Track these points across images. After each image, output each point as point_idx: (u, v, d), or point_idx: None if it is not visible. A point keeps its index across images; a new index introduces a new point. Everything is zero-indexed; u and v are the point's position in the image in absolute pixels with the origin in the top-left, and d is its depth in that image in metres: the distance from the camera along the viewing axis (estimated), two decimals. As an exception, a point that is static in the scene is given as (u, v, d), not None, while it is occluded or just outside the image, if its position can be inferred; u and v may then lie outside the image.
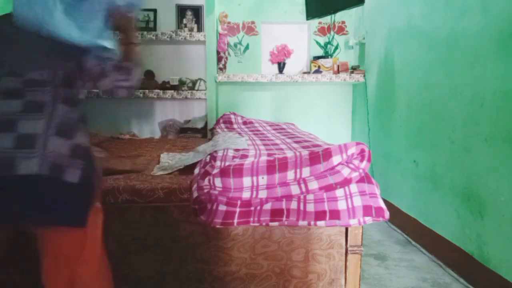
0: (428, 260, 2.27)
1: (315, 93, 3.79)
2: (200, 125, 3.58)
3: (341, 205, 1.44)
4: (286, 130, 2.82)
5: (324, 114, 3.82)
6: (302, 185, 1.41)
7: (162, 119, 3.74)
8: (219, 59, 3.57)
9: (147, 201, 1.50)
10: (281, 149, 1.94)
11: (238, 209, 1.41)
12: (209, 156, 1.78)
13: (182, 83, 3.55)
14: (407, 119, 2.66)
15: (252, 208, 1.42)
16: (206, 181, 1.42)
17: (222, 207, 1.40)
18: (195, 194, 1.42)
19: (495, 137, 1.80)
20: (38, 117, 1.07)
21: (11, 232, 1.30)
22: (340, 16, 3.64)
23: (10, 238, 1.34)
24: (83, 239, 1.13)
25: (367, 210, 1.44)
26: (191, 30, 3.58)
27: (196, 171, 1.66)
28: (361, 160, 1.43)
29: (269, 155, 1.70)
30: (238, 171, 1.42)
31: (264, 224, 1.43)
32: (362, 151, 1.43)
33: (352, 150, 1.42)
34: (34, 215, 1.05)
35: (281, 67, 3.63)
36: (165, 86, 3.56)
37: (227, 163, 1.53)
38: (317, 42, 3.75)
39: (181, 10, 3.66)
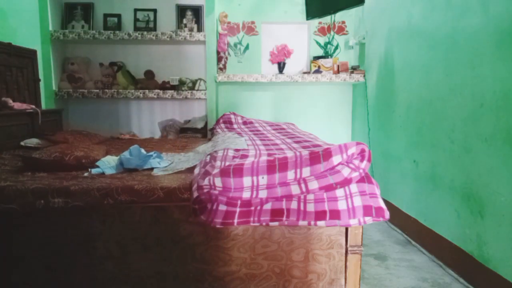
0: (428, 260, 2.27)
1: (315, 93, 3.79)
2: (200, 125, 3.58)
3: (341, 205, 1.44)
4: (286, 130, 2.82)
5: (324, 114, 3.82)
6: (302, 185, 1.41)
7: (162, 119, 3.74)
8: (219, 59, 3.57)
9: (148, 201, 1.50)
10: (281, 149, 1.94)
11: (238, 209, 1.41)
12: (209, 156, 1.78)
13: (182, 83, 3.55)
14: (407, 119, 2.66)
15: (252, 208, 1.42)
16: (206, 181, 1.42)
17: (222, 207, 1.40)
18: (195, 194, 1.42)
19: (495, 137, 1.80)
20: None
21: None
22: (340, 16, 3.64)
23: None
24: None
25: (367, 210, 1.44)
26: (191, 30, 3.58)
27: (196, 171, 1.66)
28: (361, 160, 1.43)
29: (269, 155, 1.70)
30: (238, 171, 1.42)
31: (264, 224, 1.43)
32: (362, 151, 1.43)
33: (352, 150, 1.43)
34: None
35: (281, 67, 3.63)
36: (165, 86, 3.57)
37: (227, 163, 1.53)
38: (317, 42, 3.75)
39: (181, 10, 3.66)
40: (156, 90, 3.50)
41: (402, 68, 2.76)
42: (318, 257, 1.55)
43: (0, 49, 2.59)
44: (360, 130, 3.62)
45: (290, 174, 1.42)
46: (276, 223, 1.43)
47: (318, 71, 3.57)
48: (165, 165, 1.89)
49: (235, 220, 1.40)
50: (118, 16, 3.61)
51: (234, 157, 1.70)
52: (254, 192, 1.41)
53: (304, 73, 3.60)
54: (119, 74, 3.54)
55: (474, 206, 1.95)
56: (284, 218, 1.42)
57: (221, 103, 3.73)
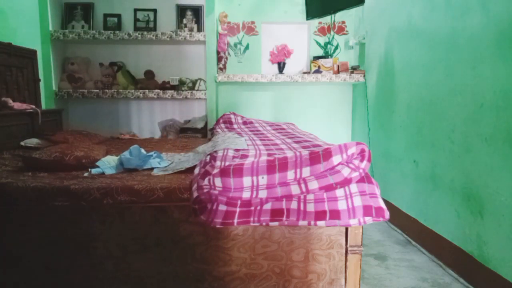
0: (428, 260, 2.27)
1: (315, 93, 3.79)
2: (200, 125, 3.58)
3: (341, 205, 1.44)
4: (286, 130, 2.82)
5: (324, 114, 3.82)
6: (302, 185, 1.41)
7: (162, 119, 3.74)
8: (219, 59, 3.57)
9: (147, 201, 1.50)
10: (281, 149, 1.94)
11: (238, 209, 1.41)
12: (209, 156, 1.78)
13: (182, 83, 3.55)
14: (407, 119, 2.66)
15: (252, 208, 1.42)
16: (206, 181, 1.42)
17: (222, 207, 1.40)
18: (195, 194, 1.42)
19: (495, 137, 1.80)
20: None
21: None
22: (340, 16, 3.64)
23: None
24: None
25: (367, 210, 1.44)
26: (191, 30, 3.58)
27: (196, 171, 1.66)
28: (361, 160, 1.43)
29: (269, 155, 1.70)
30: (238, 171, 1.42)
31: (264, 224, 1.43)
32: (362, 151, 1.43)
33: (352, 150, 1.43)
34: None
35: (281, 67, 3.63)
36: (165, 86, 3.57)
37: (227, 163, 1.53)
38: (317, 42, 3.75)
39: (181, 10, 3.66)
40: (156, 90, 3.50)
41: (402, 68, 2.76)
42: (318, 257, 1.55)
43: (0, 49, 2.59)
44: (360, 130, 3.62)
45: (290, 174, 1.42)
46: (276, 223, 1.43)
47: (318, 71, 3.57)
48: (165, 165, 1.89)
49: (235, 220, 1.40)
50: (118, 16, 3.61)
51: (234, 157, 1.70)
52: (254, 192, 1.41)
53: (304, 73, 3.60)
54: (119, 74, 3.54)
55: (474, 206, 1.95)
56: (284, 218, 1.42)
57: (221, 103, 3.73)
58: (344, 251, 1.55)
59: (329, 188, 1.43)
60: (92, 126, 3.57)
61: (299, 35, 3.79)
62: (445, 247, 2.18)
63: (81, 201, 1.48)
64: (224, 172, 1.43)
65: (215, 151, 1.81)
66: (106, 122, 3.71)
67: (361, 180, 1.47)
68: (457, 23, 2.10)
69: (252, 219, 1.42)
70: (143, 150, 1.91)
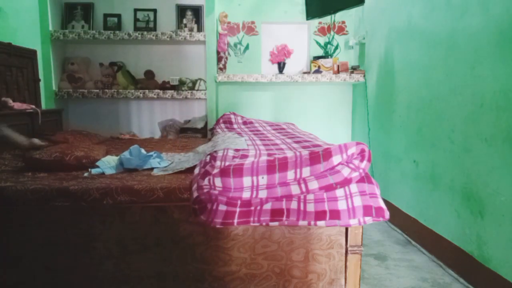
0: (428, 260, 2.27)
1: (315, 93, 3.79)
2: (200, 125, 3.58)
3: (341, 205, 1.44)
4: (286, 130, 2.82)
5: (324, 114, 3.82)
6: (302, 185, 1.41)
7: (162, 119, 3.74)
8: (219, 59, 3.57)
9: (147, 201, 1.50)
10: (281, 149, 1.94)
11: (238, 209, 1.41)
12: (209, 156, 1.78)
13: (182, 83, 3.55)
14: (407, 119, 2.66)
15: (252, 208, 1.42)
16: (206, 181, 1.42)
17: (222, 207, 1.40)
18: (195, 194, 1.42)
19: (495, 137, 1.80)
20: None
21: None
22: (340, 16, 3.64)
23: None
24: None
25: (367, 210, 1.44)
26: (191, 30, 3.58)
27: (196, 171, 1.66)
28: (361, 160, 1.43)
29: (269, 155, 1.70)
30: (238, 171, 1.42)
31: (264, 224, 1.43)
32: (362, 151, 1.43)
33: (352, 150, 1.43)
34: None
35: (281, 67, 3.63)
36: (165, 86, 3.57)
37: (227, 163, 1.53)
38: (317, 42, 3.75)
39: (181, 10, 3.66)
40: (156, 90, 3.50)
41: (402, 68, 2.76)
42: (318, 257, 1.55)
43: (0, 49, 2.59)
44: (360, 130, 3.62)
45: (290, 174, 1.42)
46: (276, 223, 1.43)
47: (318, 71, 3.57)
48: (165, 165, 1.89)
49: (235, 220, 1.40)
50: (118, 16, 3.61)
51: (234, 157, 1.70)
52: (254, 192, 1.41)
53: (304, 73, 3.60)
54: (119, 74, 3.54)
55: (474, 206, 1.95)
56: (284, 218, 1.42)
57: (221, 103, 3.73)
58: (344, 251, 1.55)
59: (329, 188, 1.43)
60: (92, 126, 3.57)
61: (299, 35, 3.79)
62: (445, 247, 2.18)
63: (81, 202, 1.48)
64: (224, 172, 1.43)
65: (215, 151, 1.81)
66: (106, 122, 3.71)
67: (361, 180, 1.47)
68: (457, 23, 2.10)
69: (252, 219, 1.42)
70: (143, 150, 1.91)
